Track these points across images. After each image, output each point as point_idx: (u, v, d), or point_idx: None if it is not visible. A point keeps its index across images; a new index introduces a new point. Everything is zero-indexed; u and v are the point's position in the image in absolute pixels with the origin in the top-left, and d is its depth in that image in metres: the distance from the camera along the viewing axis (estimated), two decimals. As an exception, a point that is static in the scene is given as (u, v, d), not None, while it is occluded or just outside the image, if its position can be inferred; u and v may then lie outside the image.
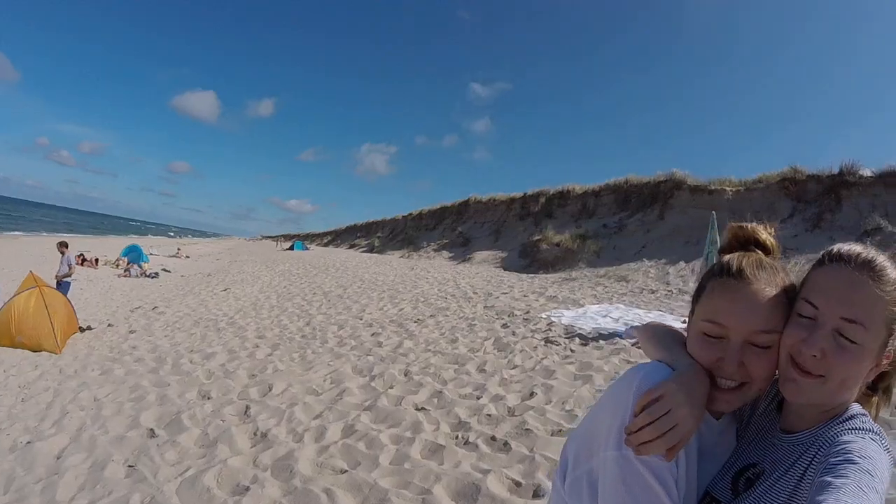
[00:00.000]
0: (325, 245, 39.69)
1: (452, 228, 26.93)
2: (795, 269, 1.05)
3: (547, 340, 6.95)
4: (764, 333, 0.89)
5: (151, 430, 4.10)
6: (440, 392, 4.71)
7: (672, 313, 8.96)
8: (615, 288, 12.78)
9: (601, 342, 6.79)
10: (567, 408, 4.38)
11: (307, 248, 37.62)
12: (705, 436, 0.96)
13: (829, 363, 0.83)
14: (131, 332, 8.36)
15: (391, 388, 4.83)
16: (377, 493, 2.94)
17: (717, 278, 0.93)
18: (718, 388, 0.91)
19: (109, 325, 8.96)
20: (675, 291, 11.99)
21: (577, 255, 17.88)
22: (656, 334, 1.08)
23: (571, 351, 6.39)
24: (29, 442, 4.02)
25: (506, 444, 3.61)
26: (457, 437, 3.75)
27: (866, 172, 14.32)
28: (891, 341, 0.84)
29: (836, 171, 14.87)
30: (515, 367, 5.71)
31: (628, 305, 9.84)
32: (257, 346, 6.70)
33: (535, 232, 21.15)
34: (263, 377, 5.22)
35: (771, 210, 15.43)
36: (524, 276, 16.78)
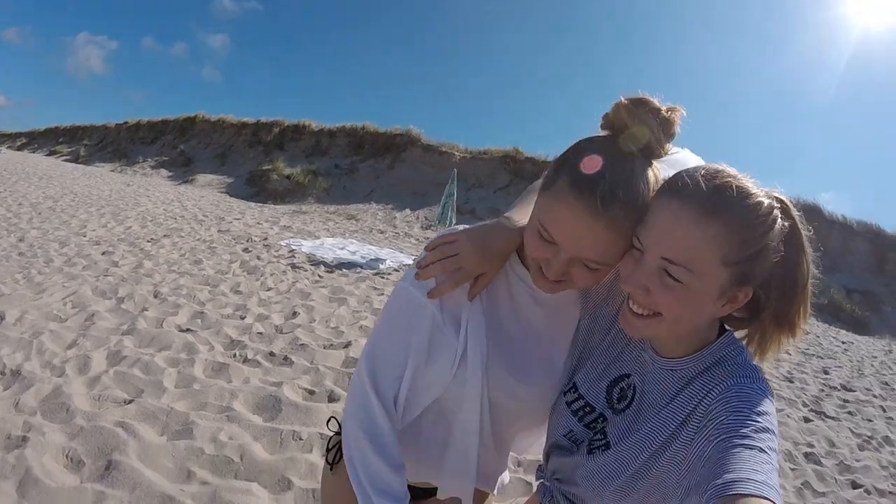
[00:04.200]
0: (19, 149, 29.55)
1: (174, 146, 23.07)
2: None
3: (293, 266, 6.85)
4: (594, 262, 0.80)
5: None
6: (201, 313, 4.26)
7: (402, 252, 9.78)
8: (346, 225, 13.15)
9: (345, 270, 7.06)
10: (332, 325, 4.52)
11: (-1, 150, 27.81)
12: (524, 301, 0.94)
13: (658, 301, 0.73)
14: None
15: (146, 310, 4.13)
16: (177, 417, 2.58)
17: (569, 189, 0.76)
18: (541, 273, 0.84)
19: None
20: (401, 234, 12.99)
21: (307, 189, 17.63)
22: (529, 190, 1.01)
23: (320, 277, 6.48)
24: None
25: (286, 358, 3.56)
26: (235, 355, 3.51)
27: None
28: (746, 277, 0.72)
29: (550, 157, 18.38)
30: (270, 289, 5.52)
31: (361, 241, 10.33)
32: (-35, 267, 4.86)
33: (264, 161, 19.92)
34: (-14, 303, 3.86)
35: (492, 178, 18.01)
36: (253, 204, 15.79)
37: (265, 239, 8.70)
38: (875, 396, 5.76)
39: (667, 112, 0.78)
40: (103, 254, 5.99)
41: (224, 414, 2.69)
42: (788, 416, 4.35)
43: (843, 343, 9.55)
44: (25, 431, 2.39)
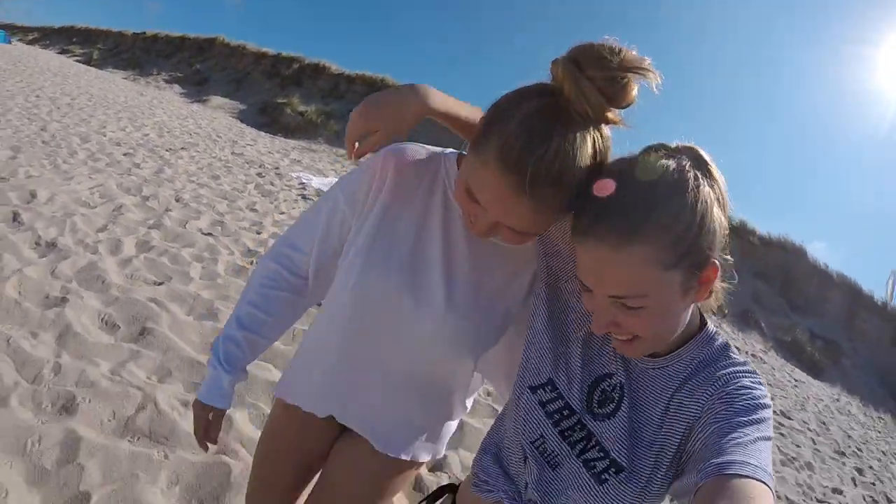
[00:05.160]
0: (31, 43, 28.57)
1: (190, 64, 22.63)
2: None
3: (304, 197, 7.01)
4: (520, 230, 0.76)
5: None
6: (221, 221, 4.46)
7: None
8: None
9: (352, 209, 7.23)
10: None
11: (10, 42, 26.92)
12: (456, 216, 0.89)
13: (630, 328, 0.69)
14: None
15: (169, 210, 4.31)
16: (203, 303, 2.81)
17: (495, 161, 0.68)
18: (469, 220, 0.79)
19: None
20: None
21: (318, 129, 17.53)
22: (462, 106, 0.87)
23: (328, 211, 6.65)
24: None
25: (299, 273, 3.78)
26: (252, 262, 3.72)
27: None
28: (701, 260, 0.65)
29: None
30: (283, 213, 5.69)
31: (369, 185, 10.44)
32: (-9, 145, 4.93)
33: (279, 95, 19.68)
34: (18, 182, 3.95)
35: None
36: (263, 133, 15.72)
37: (277, 168, 8.80)
38: (810, 430, 5.95)
39: (621, 75, 0.65)
40: (125, 154, 6.10)
41: (246, 306, 2.91)
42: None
43: (796, 381, 9.63)
44: (64, 294, 2.59)
